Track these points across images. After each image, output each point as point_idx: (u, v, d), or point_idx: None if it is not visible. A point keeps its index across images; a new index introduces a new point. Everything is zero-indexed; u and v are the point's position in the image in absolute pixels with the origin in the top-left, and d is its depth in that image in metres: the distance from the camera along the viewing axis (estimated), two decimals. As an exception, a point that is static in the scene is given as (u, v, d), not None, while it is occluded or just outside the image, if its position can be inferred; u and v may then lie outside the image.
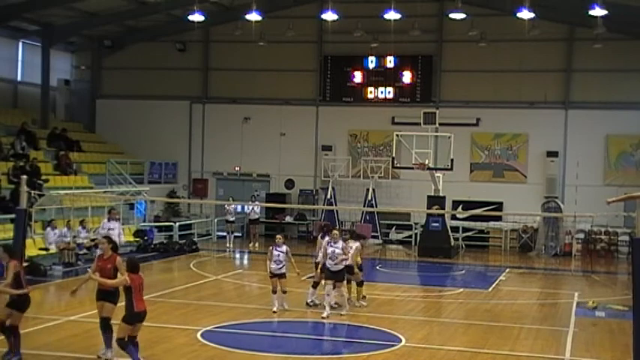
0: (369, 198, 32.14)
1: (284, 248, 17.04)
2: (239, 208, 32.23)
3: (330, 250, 16.73)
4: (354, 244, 17.72)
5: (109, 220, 21.36)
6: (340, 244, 16.84)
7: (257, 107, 35.27)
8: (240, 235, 32.93)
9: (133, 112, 36.28)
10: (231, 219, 30.75)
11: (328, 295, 16.61)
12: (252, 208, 31.04)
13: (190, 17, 29.99)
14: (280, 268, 16.92)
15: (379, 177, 32.74)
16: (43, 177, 26.65)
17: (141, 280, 11.87)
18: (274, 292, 16.89)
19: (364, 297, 18.33)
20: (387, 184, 33.06)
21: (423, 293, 21.01)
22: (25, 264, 17.33)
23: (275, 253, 16.93)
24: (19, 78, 34.65)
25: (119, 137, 36.11)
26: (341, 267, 16.69)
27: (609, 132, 31.93)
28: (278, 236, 17.52)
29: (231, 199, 30.64)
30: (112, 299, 12.60)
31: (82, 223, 24.62)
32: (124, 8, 32.33)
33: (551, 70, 32.64)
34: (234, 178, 35.70)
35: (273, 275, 16.90)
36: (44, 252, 23.03)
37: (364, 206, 31.72)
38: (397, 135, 30.05)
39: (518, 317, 17.69)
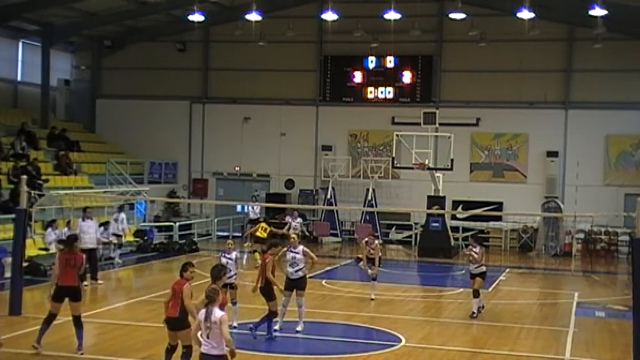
0: (369, 198, 32.12)
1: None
2: (239, 207, 32.26)
3: (289, 255, 15.08)
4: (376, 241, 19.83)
5: (83, 220, 21.14)
6: (300, 249, 15.17)
7: (257, 107, 35.27)
8: (240, 235, 32.95)
9: (133, 112, 36.28)
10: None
11: (282, 306, 15.06)
12: (253, 208, 31.07)
13: (190, 17, 30.01)
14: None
15: (379, 177, 32.73)
16: (43, 177, 26.65)
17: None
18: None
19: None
20: (387, 184, 33.06)
21: (423, 293, 21.01)
22: (24, 264, 17.44)
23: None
24: (19, 78, 34.66)
25: (119, 137, 36.11)
26: (301, 275, 15.08)
27: (609, 132, 31.93)
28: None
29: (254, 197, 31.12)
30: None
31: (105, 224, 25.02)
32: (124, 8, 32.34)
33: (551, 70, 32.64)
34: (234, 178, 35.71)
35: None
36: (44, 252, 23.02)
37: (364, 206, 31.71)
38: (397, 135, 30.04)
39: (518, 317, 17.70)
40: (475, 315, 17.28)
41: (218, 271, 11.42)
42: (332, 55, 34.48)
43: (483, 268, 17.63)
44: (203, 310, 9.77)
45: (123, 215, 25.50)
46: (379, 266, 19.84)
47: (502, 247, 31.94)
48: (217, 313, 9.65)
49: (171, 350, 11.60)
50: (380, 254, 19.83)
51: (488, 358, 13.84)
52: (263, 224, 24.70)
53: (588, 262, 28.69)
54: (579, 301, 19.88)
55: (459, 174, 31.01)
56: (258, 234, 24.00)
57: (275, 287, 14.47)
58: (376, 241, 19.88)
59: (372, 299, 19.03)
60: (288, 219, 25.27)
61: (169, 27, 35.39)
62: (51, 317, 13.32)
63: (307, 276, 15.61)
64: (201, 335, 9.77)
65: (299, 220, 26.81)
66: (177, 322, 11.45)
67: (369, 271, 19.37)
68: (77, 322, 13.25)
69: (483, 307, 17.72)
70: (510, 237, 31.94)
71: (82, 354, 13.00)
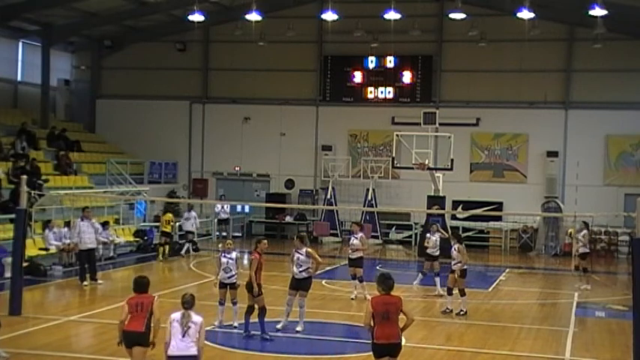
0: (369, 198, 32.14)
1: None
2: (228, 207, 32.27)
3: (295, 256, 15.12)
4: (360, 234, 19.12)
5: (82, 220, 21.03)
6: (304, 250, 15.09)
7: (257, 107, 35.28)
8: (240, 235, 32.99)
9: (133, 112, 36.29)
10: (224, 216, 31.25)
11: (287, 305, 15.28)
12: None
13: (190, 17, 30.03)
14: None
15: (379, 177, 32.74)
16: (43, 177, 26.64)
17: None
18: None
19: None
20: (387, 184, 33.07)
21: (423, 293, 20.99)
22: (25, 264, 17.44)
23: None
24: (19, 78, 34.68)
25: (119, 137, 36.11)
26: (306, 275, 15.10)
27: (609, 132, 31.94)
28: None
29: (222, 197, 31.08)
30: None
31: (105, 224, 25.24)
32: (124, 8, 32.35)
33: (551, 70, 32.66)
34: (234, 178, 35.72)
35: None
36: (44, 252, 23.03)
37: (364, 206, 31.72)
38: (397, 135, 30.03)
39: (518, 317, 17.69)
40: (454, 311, 17.34)
41: (391, 281, 10.67)
42: (332, 55, 34.48)
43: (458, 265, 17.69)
44: (178, 313, 9.86)
45: (194, 213, 28.08)
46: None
47: (502, 247, 31.93)
48: (196, 317, 9.87)
49: None
50: (364, 249, 19.10)
51: (488, 358, 13.84)
52: (170, 217, 26.63)
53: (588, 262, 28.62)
54: (579, 301, 19.88)
55: (459, 174, 31.00)
56: (163, 228, 26.33)
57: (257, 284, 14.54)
58: (361, 234, 19.18)
59: (352, 298, 18.84)
60: (427, 235, 23.58)
61: (169, 27, 35.39)
62: None
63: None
64: (172, 338, 9.72)
65: (438, 234, 25.29)
66: (142, 338, 10.33)
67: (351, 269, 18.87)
68: None
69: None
70: (510, 237, 31.94)
71: None
